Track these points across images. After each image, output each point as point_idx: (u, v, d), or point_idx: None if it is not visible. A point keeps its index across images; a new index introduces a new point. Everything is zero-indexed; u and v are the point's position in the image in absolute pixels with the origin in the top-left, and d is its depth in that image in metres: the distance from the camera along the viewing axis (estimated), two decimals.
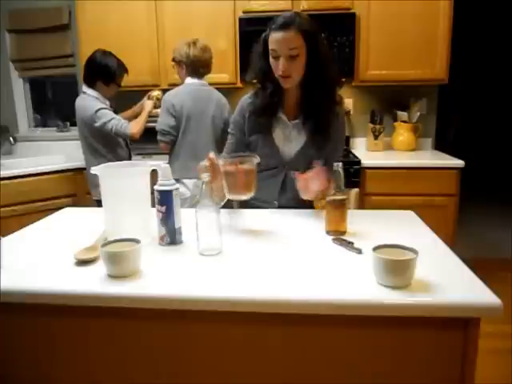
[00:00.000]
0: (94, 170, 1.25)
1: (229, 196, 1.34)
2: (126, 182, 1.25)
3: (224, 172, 1.29)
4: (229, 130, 1.66)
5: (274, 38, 1.40)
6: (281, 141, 1.56)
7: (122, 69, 2.60)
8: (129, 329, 1.04)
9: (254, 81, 1.57)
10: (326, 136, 1.51)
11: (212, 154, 1.29)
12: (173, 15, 3.03)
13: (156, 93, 2.78)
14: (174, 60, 2.55)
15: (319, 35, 1.45)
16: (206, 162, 1.29)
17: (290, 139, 1.56)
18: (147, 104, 2.72)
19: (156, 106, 2.72)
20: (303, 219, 1.50)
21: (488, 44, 5.63)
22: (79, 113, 2.55)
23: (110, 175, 1.29)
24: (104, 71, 2.54)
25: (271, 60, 1.44)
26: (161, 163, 1.27)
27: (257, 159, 1.31)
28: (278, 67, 1.42)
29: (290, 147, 1.56)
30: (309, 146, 1.53)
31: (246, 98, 1.62)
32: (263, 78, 1.52)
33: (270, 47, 1.42)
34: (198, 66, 2.46)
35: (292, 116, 1.55)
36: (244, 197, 1.35)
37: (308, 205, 1.54)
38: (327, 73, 1.46)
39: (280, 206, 1.59)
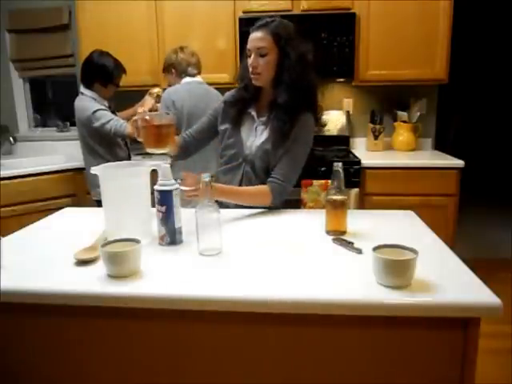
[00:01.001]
0: (94, 170, 1.25)
1: (147, 149, 1.44)
2: (126, 182, 1.25)
3: (140, 127, 1.43)
4: (209, 111, 1.77)
5: (250, 37, 1.54)
6: (246, 135, 1.64)
7: (120, 69, 2.60)
8: (129, 329, 1.04)
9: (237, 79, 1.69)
10: (284, 137, 1.55)
11: (140, 109, 1.42)
12: (173, 15, 3.03)
13: (156, 90, 2.78)
14: (164, 70, 2.63)
15: (292, 41, 1.52)
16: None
17: (254, 134, 1.63)
18: (147, 102, 2.72)
19: (157, 103, 2.72)
20: (303, 219, 1.50)
21: (488, 44, 5.63)
22: (77, 114, 2.55)
23: (110, 175, 1.29)
24: (101, 72, 2.53)
25: (248, 59, 1.55)
26: (161, 163, 1.27)
27: (171, 116, 1.47)
28: (249, 64, 1.52)
29: (252, 142, 1.62)
30: (267, 143, 1.58)
31: (230, 91, 1.73)
32: (243, 75, 1.62)
33: (247, 46, 1.54)
34: (186, 66, 2.52)
35: (261, 113, 1.63)
36: (157, 150, 1.44)
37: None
38: (295, 77, 1.51)
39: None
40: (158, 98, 2.73)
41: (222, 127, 1.69)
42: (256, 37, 1.51)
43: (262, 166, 1.58)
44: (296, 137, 1.55)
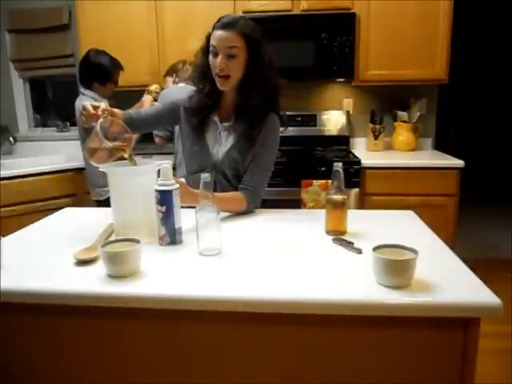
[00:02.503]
0: (102, 167, 1.25)
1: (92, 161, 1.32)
2: (134, 180, 1.26)
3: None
4: (169, 103, 1.66)
5: (216, 35, 1.42)
6: (211, 142, 1.57)
7: (117, 66, 2.60)
8: (129, 329, 1.04)
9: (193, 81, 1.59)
10: (251, 142, 1.50)
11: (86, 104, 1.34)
12: (173, 15, 3.03)
13: (154, 86, 2.79)
14: (166, 74, 2.66)
15: (262, 42, 1.45)
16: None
17: (220, 142, 1.56)
18: (146, 99, 2.72)
19: (155, 100, 2.73)
20: (303, 219, 1.50)
21: (488, 44, 5.63)
22: (78, 114, 2.56)
23: (118, 173, 1.30)
24: (99, 71, 2.54)
25: (210, 58, 1.44)
26: (161, 163, 1.27)
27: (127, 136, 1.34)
28: (216, 65, 1.42)
29: (218, 149, 1.56)
30: (234, 150, 1.53)
31: (189, 94, 1.61)
32: (202, 77, 1.52)
33: (210, 43, 1.43)
34: (188, 77, 2.54)
35: (225, 119, 1.55)
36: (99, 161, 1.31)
37: None
38: (266, 80, 1.46)
39: None
40: (156, 95, 2.74)
41: (183, 133, 1.61)
42: (225, 36, 1.40)
43: (233, 174, 1.55)
44: (263, 141, 1.52)
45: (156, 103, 2.62)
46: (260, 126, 1.50)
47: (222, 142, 1.56)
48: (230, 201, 1.50)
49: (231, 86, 1.47)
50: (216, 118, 1.56)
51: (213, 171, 1.53)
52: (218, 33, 1.41)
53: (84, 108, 1.36)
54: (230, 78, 1.44)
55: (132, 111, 1.68)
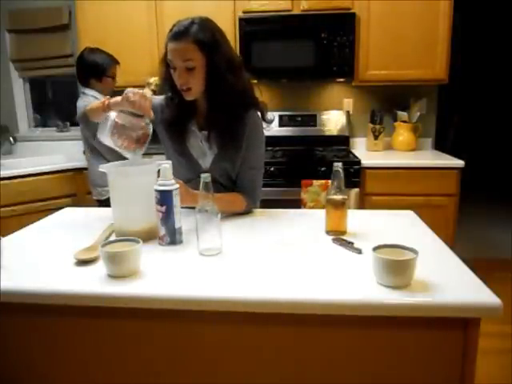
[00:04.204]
0: (102, 167, 1.25)
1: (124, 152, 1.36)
2: (135, 180, 1.26)
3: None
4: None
5: (170, 48, 1.35)
6: (196, 152, 1.52)
7: (111, 60, 2.61)
8: (129, 329, 1.04)
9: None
10: (235, 149, 1.47)
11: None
12: (173, 15, 2.99)
13: (153, 79, 2.77)
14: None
15: (219, 43, 1.37)
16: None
17: (203, 151, 1.51)
18: (145, 93, 2.71)
19: (155, 93, 2.71)
20: (303, 219, 1.50)
21: (488, 44, 5.63)
22: (79, 113, 2.56)
23: (118, 173, 1.30)
24: (93, 68, 2.55)
25: (171, 71, 1.39)
26: (161, 163, 1.27)
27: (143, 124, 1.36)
28: (176, 80, 1.38)
29: (204, 160, 1.52)
30: (220, 159, 1.49)
31: (161, 105, 1.54)
32: (168, 88, 1.46)
33: (167, 57, 1.37)
34: None
35: (202, 126, 1.50)
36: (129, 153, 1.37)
37: None
38: (231, 82, 1.38)
39: None
40: (156, 88, 2.72)
41: (166, 143, 1.56)
42: (178, 48, 1.32)
43: (225, 178, 1.52)
44: (249, 142, 1.47)
45: (155, 97, 2.59)
46: (241, 127, 1.46)
47: (206, 152, 1.52)
48: (230, 202, 1.48)
49: (196, 96, 1.42)
50: (194, 127, 1.51)
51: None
52: (171, 46, 1.35)
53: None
54: (192, 90, 1.39)
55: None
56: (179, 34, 1.33)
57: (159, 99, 1.56)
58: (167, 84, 1.45)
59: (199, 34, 1.33)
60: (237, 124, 1.45)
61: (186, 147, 1.52)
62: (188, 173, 1.50)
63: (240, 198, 1.50)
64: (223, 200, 1.40)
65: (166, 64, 1.40)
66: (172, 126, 1.51)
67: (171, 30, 1.36)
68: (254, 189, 1.54)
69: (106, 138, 1.37)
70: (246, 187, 1.52)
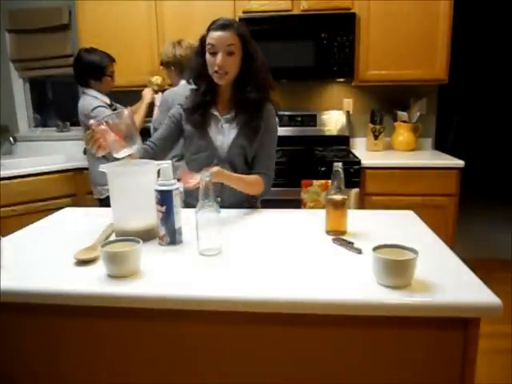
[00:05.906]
0: (102, 167, 1.25)
1: (114, 154, 1.35)
2: (134, 180, 1.26)
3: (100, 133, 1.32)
4: (169, 115, 1.71)
5: (214, 35, 1.51)
6: (214, 135, 1.64)
7: (107, 59, 2.61)
8: (129, 329, 1.04)
9: (190, 81, 1.66)
10: (255, 130, 1.60)
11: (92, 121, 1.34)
12: (173, 15, 3.03)
13: (155, 78, 2.75)
14: (161, 63, 2.55)
15: (254, 43, 1.58)
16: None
17: (222, 133, 1.64)
18: (146, 93, 2.71)
19: (156, 92, 2.70)
20: (303, 219, 1.50)
21: (488, 44, 5.63)
22: (80, 113, 2.56)
23: (117, 173, 1.30)
24: (92, 68, 2.56)
25: (208, 57, 1.53)
26: (161, 163, 1.27)
27: (127, 110, 1.36)
28: (215, 62, 1.51)
29: (222, 141, 1.63)
30: (240, 138, 1.61)
31: (186, 96, 1.68)
32: (198, 76, 1.62)
33: (207, 43, 1.52)
34: (185, 65, 2.38)
35: (224, 111, 1.64)
36: (122, 152, 1.34)
37: (247, 204, 1.64)
38: (259, 76, 1.57)
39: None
40: (157, 87, 2.70)
41: (187, 132, 1.66)
42: (224, 35, 1.50)
43: (242, 160, 1.62)
44: (266, 127, 1.62)
45: (156, 95, 2.58)
46: (260, 114, 1.61)
47: (225, 133, 1.63)
48: (251, 184, 1.59)
49: (228, 81, 1.56)
50: (216, 112, 1.64)
51: (219, 164, 1.55)
52: (217, 33, 1.51)
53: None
54: (228, 74, 1.53)
55: (147, 146, 1.67)
56: (225, 25, 1.52)
57: (187, 101, 1.67)
58: (198, 73, 1.61)
59: (240, 29, 1.55)
60: (258, 110, 1.61)
61: (207, 131, 1.64)
62: (206, 159, 1.61)
63: (260, 182, 1.60)
64: (244, 181, 1.56)
65: (200, 55, 1.57)
66: (196, 111, 1.63)
67: (214, 24, 1.53)
68: (271, 172, 1.66)
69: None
70: (264, 170, 1.63)
